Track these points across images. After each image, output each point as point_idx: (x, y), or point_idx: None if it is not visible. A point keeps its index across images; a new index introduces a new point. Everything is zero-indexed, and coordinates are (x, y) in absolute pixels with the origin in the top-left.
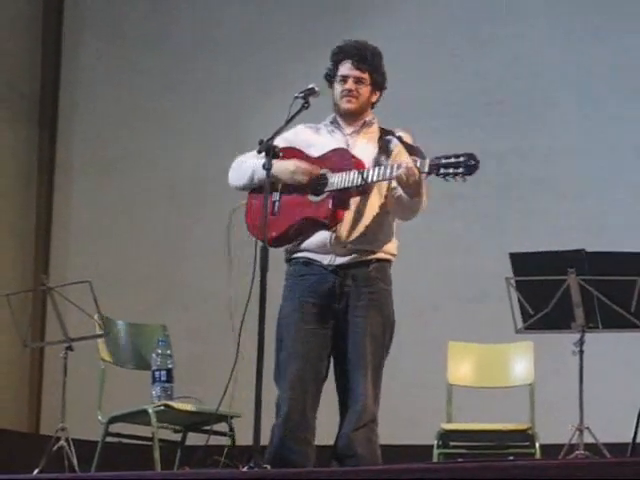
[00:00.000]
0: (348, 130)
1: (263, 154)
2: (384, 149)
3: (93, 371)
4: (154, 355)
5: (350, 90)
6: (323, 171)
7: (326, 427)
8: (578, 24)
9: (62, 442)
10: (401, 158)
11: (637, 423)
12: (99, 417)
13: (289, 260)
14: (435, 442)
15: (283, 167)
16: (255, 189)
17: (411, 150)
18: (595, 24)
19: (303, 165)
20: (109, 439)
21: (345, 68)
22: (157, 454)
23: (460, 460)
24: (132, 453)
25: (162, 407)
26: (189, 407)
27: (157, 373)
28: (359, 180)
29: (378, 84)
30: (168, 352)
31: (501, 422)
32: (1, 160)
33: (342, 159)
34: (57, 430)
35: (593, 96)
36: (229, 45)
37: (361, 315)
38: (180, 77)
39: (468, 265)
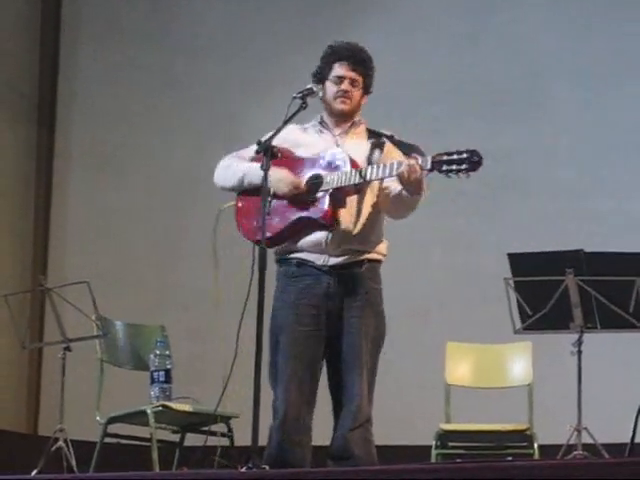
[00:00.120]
0: (336, 131)
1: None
2: (374, 149)
3: (91, 372)
4: (152, 356)
5: (346, 91)
6: (316, 172)
7: (320, 428)
8: (578, 16)
9: (60, 443)
10: (392, 156)
11: (635, 423)
12: (97, 418)
13: (279, 261)
14: (433, 442)
15: (273, 175)
16: (242, 191)
17: (409, 148)
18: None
19: (291, 177)
20: (107, 440)
21: (341, 69)
22: (155, 455)
23: (459, 460)
24: (130, 454)
25: (160, 408)
26: (187, 408)
27: (155, 374)
28: (358, 178)
29: (367, 88)
30: (166, 353)
31: (499, 422)
32: None
33: (336, 159)
34: (55, 431)
35: (594, 95)
36: (226, 42)
37: (356, 315)
38: (178, 75)
39: (466, 265)
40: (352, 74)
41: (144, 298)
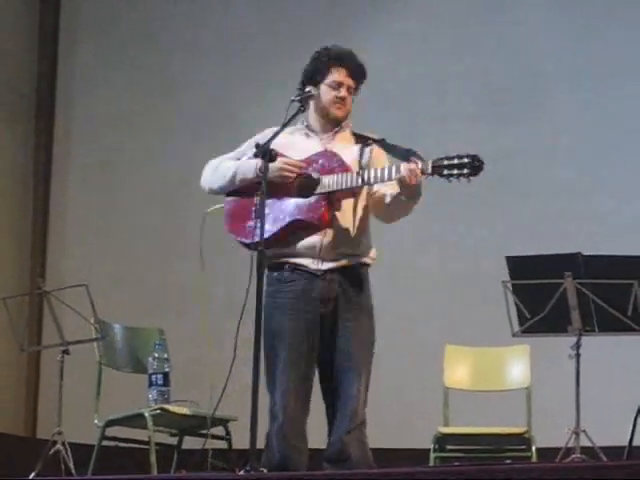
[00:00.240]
0: (323, 135)
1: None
2: (362, 152)
3: (90, 375)
4: (150, 359)
5: (343, 98)
6: (311, 173)
7: (312, 431)
8: (578, 16)
9: (59, 446)
10: (379, 160)
11: (633, 426)
12: (95, 421)
13: (271, 265)
14: (432, 446)
15: (271, 166)
16: (231, 193)
17: (406, 152)
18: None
19: (291, 162)
20: (105, 443)
21: (340, 75)
22: (153, 458)
23: (457, 464)
24: (128, 457)
25: (158, 411)
26: (185, 411)
27: (153, 377)
28: (357, 182)
29: (356, 93)
30: (165, 356)
31: (498, 425)
32: None
33: (331, 162)
34: (54, 434)
35: (594, 95)
36: (226, 43)
37: (351, 319)
38: (177, 76)
39: (465, 268)
40: (349, 81)
41: (142, 301)
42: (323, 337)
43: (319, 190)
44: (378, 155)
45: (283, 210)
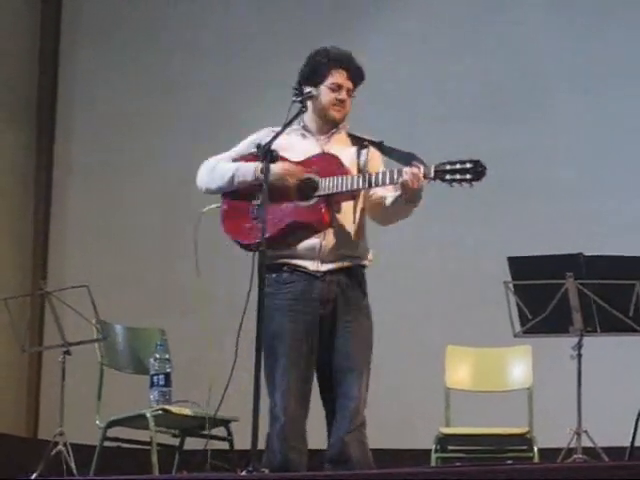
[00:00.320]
0: (319, 136)
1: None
2: (359, 154)
3: (91, 375)
4: (152, 359)
5: (343, 100)
6: (310, 175)
7: (312, 431)
8: (578, 16)
9: (60, 446)
10: (376, 162)
11: (635, 427)
12: (97, 421)
13: (269, 266)
14: (433, 446)
15: (271, 170)
16: (228, 193)
17: (406, 156)
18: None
19: (292, 168)
20: (107, 443)
21: (340, 77)
22: (155, 458)
23: (458, 464)
24: (130, 457)
25: (160, 411)
26: (187, 411)
27: (155, 377)
28: (359, 184)
29: (354, 98)
30: (166, 356)
31: (499, 426)
32: None
33: (330, 164)
34: (55, 434)
35: (594, 96)
36: (226, 43)
37: (351, 320)
38: (178, 77)
39: (466, 268)
40: (349, 83)
41: (144, 302)
42: (322, 338)
43: (319, 192)
44: (374, 157)
45: (282, 212)
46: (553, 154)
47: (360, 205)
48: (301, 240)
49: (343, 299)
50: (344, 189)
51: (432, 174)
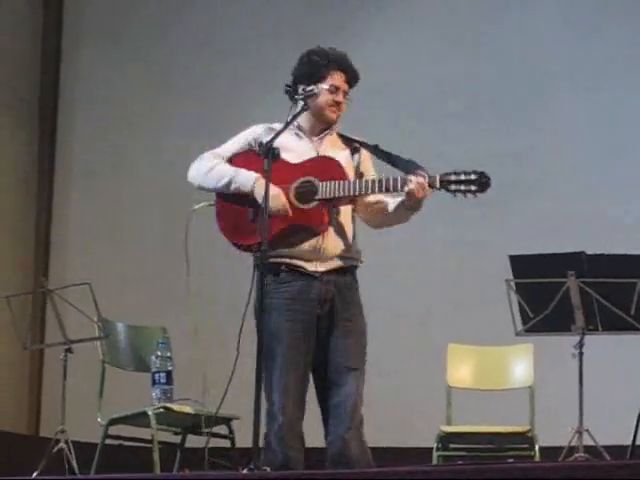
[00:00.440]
0: (312, 136)
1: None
2: (353, 156)
3: (93, 373)
4: (154, 357)
5: (339, 102)
6: (310, 179)
7: (306, 429)
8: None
9: (62, 444)
10: (367, 164)
11: (637, 425)
12: (99, 419)
13: (267, 266)
14: (435, 444)
15: (261, 192)
16: (223, 193)
17: (406, 164)
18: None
19: (283, 200)
20: (109, 441)
21: (338, 79)
22: (157, 456)
23: (460, 462)
24: (132, 455)
25: (162, 409)
26: (188, 409)
27: (157, 375)
28: (362, 191)
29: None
30: (168, 354)
31: (501, 424)
32: (0, 162)
33: (330, 167)
34: (57, 432)
35: (595, 96)
36: (229, 46)
37: (347, 319)
38: (181, 78)
39: (467, 267)
40: (345, 86)
41: (145, 299)
42: (319, 338)
43: (319, 196)
44: (365, 159)
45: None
46: (555, 153)
47: (351, 207)
48: (300, 242)
49: (340, 299)
50: (346, 194)
51: (438, 184)
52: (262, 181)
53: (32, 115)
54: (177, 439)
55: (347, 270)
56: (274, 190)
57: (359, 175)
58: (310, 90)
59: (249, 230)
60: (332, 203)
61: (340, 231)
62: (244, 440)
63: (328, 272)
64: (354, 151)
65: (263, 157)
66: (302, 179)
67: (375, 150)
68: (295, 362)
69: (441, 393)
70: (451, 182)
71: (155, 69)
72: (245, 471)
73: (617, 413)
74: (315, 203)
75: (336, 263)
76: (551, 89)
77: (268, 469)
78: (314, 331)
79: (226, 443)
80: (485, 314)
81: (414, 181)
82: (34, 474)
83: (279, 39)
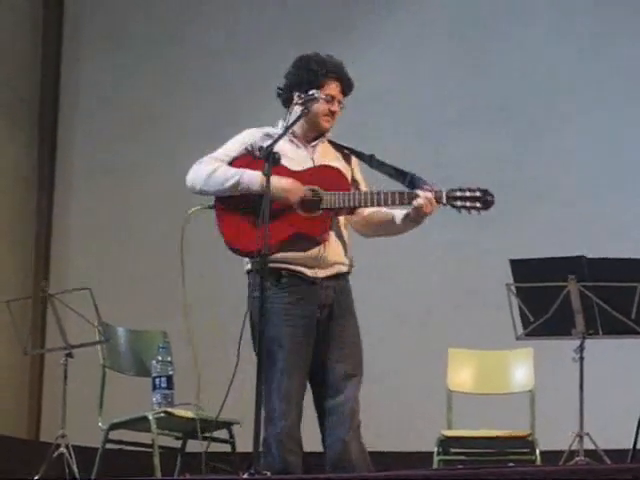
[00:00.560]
0: (306, 143)
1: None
2: (346, 163)
3: (93, 378)
4: (154, 362)
5: (334, 112)
6: (315, 187)
7: (303, 433)
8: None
9: (62, 449)
10: (356, 171)
11: (637, 429)
12: (99, 424)
13: (268, 271)
14: (435, 449)
15: (277, 184)
16: (224, 198)
17: (411, 178)
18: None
19: (298, 185)
20: (109, 446)
21: (334, 89)
22: (157, 461)
23: (460, 467)
24: (132, 460)
25: (162, 414)
26: (189, 414)
27: (157, 380)
28: (368, 203)
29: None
30: (168, 359)
31: (501, 429)
32: (0, 166)
33: (333, 177)
34: (57, 437)
35: (593, 101)
36: (230, 49)
37: (345, 324)
38: (182, 81)
39: (468, 271)
40: (341, 96)
41: (146, 304)
42: (317, 342)
43: (324, 206)
44: (356, 166)
45: (286, 222)
46: (555, 157)
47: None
48: (303, 250)
49: (338, 304)
50: (351, 205)
51: (444, 199)
52: (272, 179)
53: (32, 116)
54: (178, 444)
55: (343, 276)
56: (285, 182)
57: (354, 183)
58: (310, 94)
59: (253, 235)
60: (334, 212)
61: (338, 238)
62: (244, 445)
63: (327, 278)
64: (345, 158)
65: (264, 161)
66: (306, 188)
67: (371, 160)
68: (296, 367)
69: (441, 397)
70: (457, 198)
71: (156, 70)
72: (245, 475)
73: (618, 417)
74: (319, 212)
75: (334, 269)
76: (552, 93)
77: (268, 473)
78: (314, 336)
79: (227, 448)
80: (485, 318)
81: (422, 196)
82: (34, 479)
83: (281, 41)
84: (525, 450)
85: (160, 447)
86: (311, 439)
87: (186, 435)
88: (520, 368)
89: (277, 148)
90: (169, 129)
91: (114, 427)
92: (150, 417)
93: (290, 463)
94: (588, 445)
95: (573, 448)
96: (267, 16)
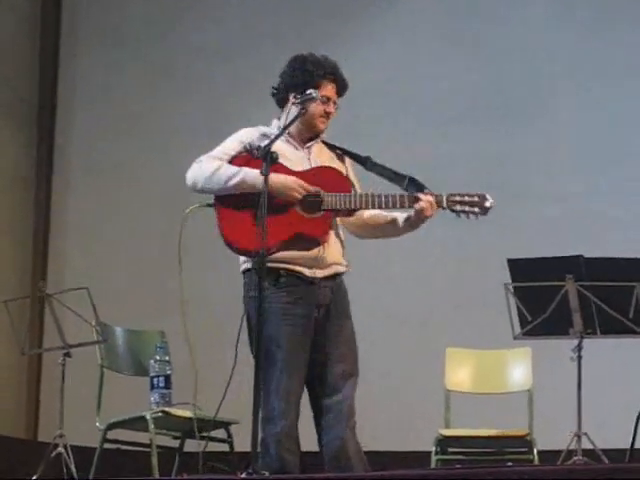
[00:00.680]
0: (302, 143)
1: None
2: (341, 164)
3: (91, 377)
4: (152, 361)
5: (330, 113)
6: (316, 189)
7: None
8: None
9: (60, 449)
10: (352, 173)
11: (635, 428)
12: (97, 423)
13: (266, 271)
14: (433, 448)
15: (281, 181)
16: (224, 197)
17: (410, 181)
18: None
19: (301, 182)
20: (107, 445)
21: (330, 90)
22: (155, 460)
23: (458, 466)
24: (130, 459)
25: (160, 413)
26: (187, 414)
27: (155, 379)
28: (369, 205)
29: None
30: (166, 358)
31: (499, 428)
32: None
33: (334, 179)
34: (55, 437)
35: (594, 98)
36: (227, 50)
37: (341, 323)
38: (180, 78)
39: (466, 271)
40: (336, 97)
41: (144, 304)
42: (314, 341)
43: (325, 207)
44: (349, 167)
45: (287, 222)
46: (554, 156)
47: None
48: (303, 250)
49: (335, 304)
50: (352, 207)
51: (445, 203)
52: (272, 176)
53: (31, 115)
54: (176, 443)
55: (339, 276)
56: (288, 179)
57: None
58: (308, 94)
59: (253, 234)
60: (337, 214)
61: (336, 239)
62: (242, 444)
63: (325, 278)
64: (339, 158)
65: (262, 160)
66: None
67: (367, 163)
68: (295, 366)
69: (439, 397)
70: (456, 202)
71: (154, 69)
72: (243, 475)
73: (615, 416)
74: (321, 213)
75: (332, 270)
76: (551, 91)
77: (266, 473)
78: (312, 335)
79: (224, 447)
80: (483, 318)
81: (425, 199)
82: (32, 478)
83: (279, 40)
84: (523, 449)
85: (158, 447)
86: (307, 439)
87: (184, 435)
88: (518, 368)
89: (275, 148)
90: (168, 127)
91: (112, 427)
92: (148, 417)
93: (288, 462)
94: (586, 445)
95: (571, 448)
96: (264, 15)
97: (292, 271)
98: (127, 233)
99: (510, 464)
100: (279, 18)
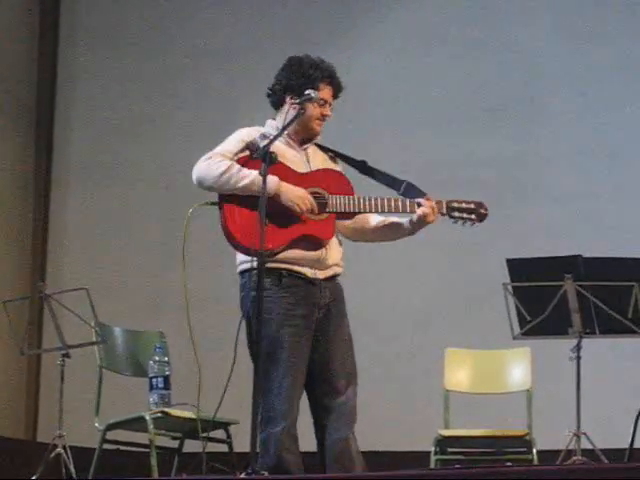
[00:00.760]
0: (299, 145)
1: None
2: (333, 167)
3: (90, 378)
4: (151, 362)
5: (326, 116)
6: (321, 190)
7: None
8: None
9: (59, 449)
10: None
11: (634, 428)
12: (96, 424)
13: (267, 271)
14: (432, 448)
15: (294, 193)
16: (230, 196)
17: (408, 187)
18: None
19: (311, 199)
20: (106, 446)
21: (327, 93)
22: (154, 461)
23: (457, 466)
24: (129, 460)
25: (159, 414)
26: (186, 414)
27: (154, 380)
28: (372, 209)
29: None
30: (165, 359)
31: (498, 428)
32: None
33: (337, 181)
34: (54, 437)
35: (592, 100)
36: (226, 50)
37: (340, 324)
38: (179, 82)
39: (465, 271)
40: (332, 99)
41: (143, 304)
42: (314, 342)
43: (330, 209)
44: (340, 169)
45: (289, 222)
46: (552, 156)
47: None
48: (307, 251)
49: (334, 305)
50: (356, 210)
51: (444, 209)
52: (284, 184)
53: (29, 117)
54: (175, 444)
55: (337, 277)
56: (300, 191)
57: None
58: (307, 94)
59: (258, 233)
60: (340, 216)
61: (336, 241)
62: (242, 445)
63: (325, 279)
64: (332, 160)
65: (261, 160)
66: (311, 189)
67: (363, 167)
68: (296, 367)
69: (439, 397)
70: (454, 209)
71: (153, 71)
72: (243, 475)
73: (614, 416)
74: (326, 215)
75: (332, 271)
76: (549, 93)
77: (266, 473)
78: (312, 335)
79: (224, 448)
80: (483, 318)
81: (427, 205)
82: (32, 479)
83: (279, 43)
84: (522, 449)
85: (157, 447)
86: (306, 439)
87: (183, 435)
88: (517, 367)
89: (275, 149)
90: (166, 128)
91: (111, 427)
92: (147, 417)
93: (288, 462)
94: (585, 444)
95: (570, 447)
96: (264, 18)
97: (294, 272)
98: (126, 234)
99: (509, 464)
100: (279, 21)
